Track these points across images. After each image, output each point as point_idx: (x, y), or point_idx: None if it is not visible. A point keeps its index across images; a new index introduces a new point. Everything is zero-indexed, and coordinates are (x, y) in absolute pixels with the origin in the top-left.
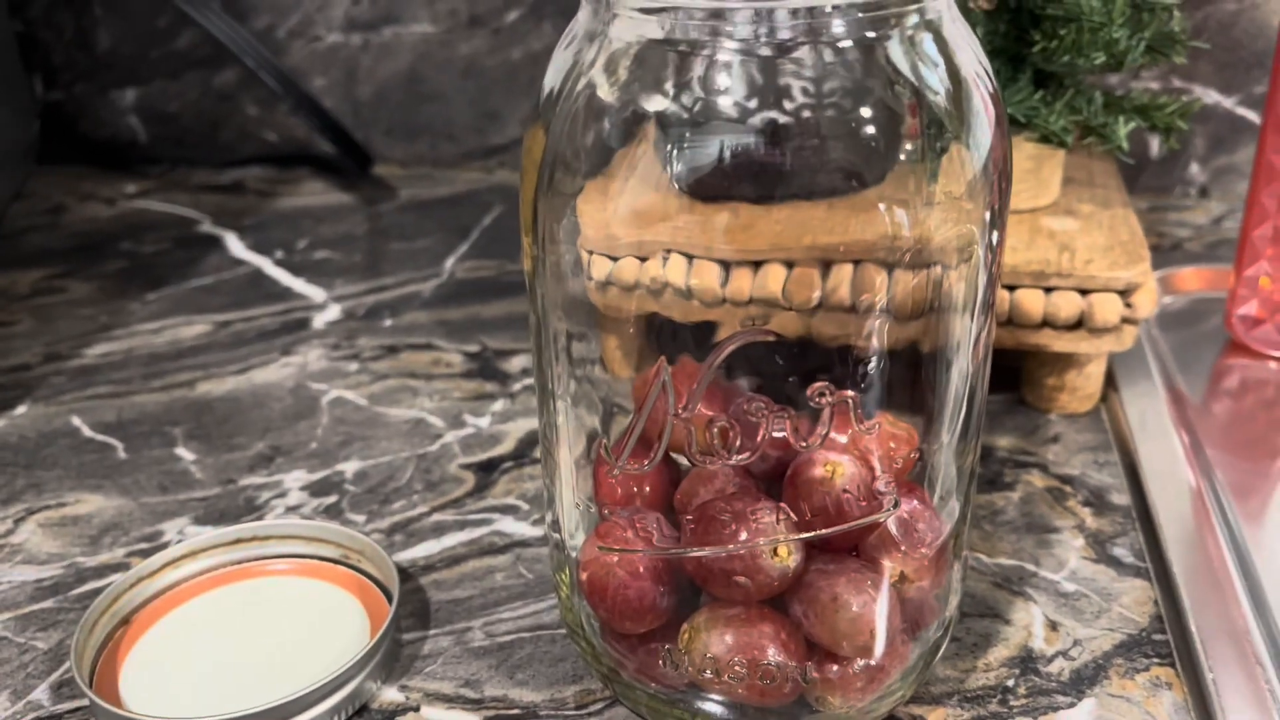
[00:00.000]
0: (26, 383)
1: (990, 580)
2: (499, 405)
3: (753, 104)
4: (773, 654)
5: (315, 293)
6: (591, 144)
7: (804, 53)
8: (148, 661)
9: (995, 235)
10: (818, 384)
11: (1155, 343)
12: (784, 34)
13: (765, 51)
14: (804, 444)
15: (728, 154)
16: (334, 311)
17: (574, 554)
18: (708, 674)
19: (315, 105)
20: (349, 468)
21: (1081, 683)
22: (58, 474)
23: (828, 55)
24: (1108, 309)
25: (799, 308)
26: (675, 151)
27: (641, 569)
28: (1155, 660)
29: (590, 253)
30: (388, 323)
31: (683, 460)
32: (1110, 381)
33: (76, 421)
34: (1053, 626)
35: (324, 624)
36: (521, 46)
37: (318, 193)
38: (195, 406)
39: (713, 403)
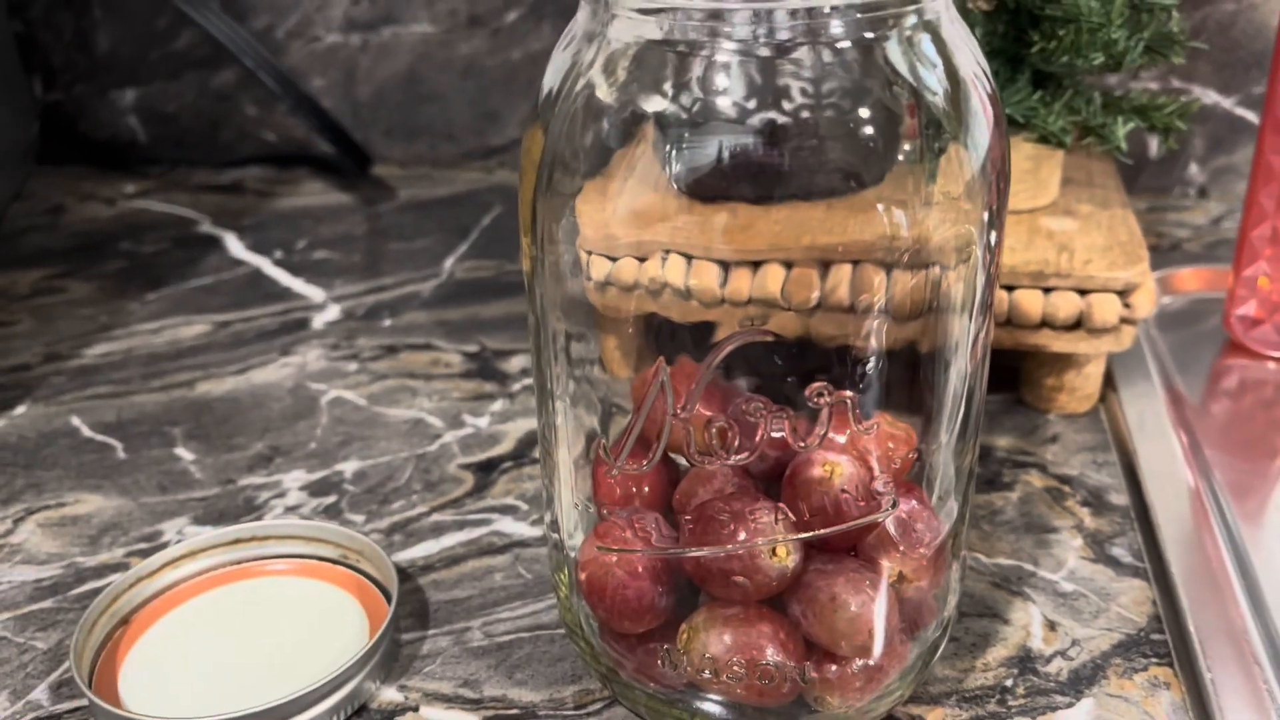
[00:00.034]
0: (26, 383)
1: (989, 580)
2: (498, 405)
3: (751, 104)
4: (771, 654)
5: (314, 293)
6: (590, 144)
7: (802, 53)
8: (147, 661)
9: (993, 235)
10: (816, 384)
11: (1154, 343)
12: (782, 34)
13: (764, 52)
14: (802, 444)
15: (726, 154)
16: (333, 312)
17: (573, 554)
18: (706, 674)
19: (314, 105)
20: (348, 468)
21: (1080, 682)
22: (57, 474)
23: (826, 56)
24: (1106, 309)
25: (797, 308)
26: (674, 152)
27: (640, 569)
28: (1153, 660)
29: (589, 253)
30: (387, 323)
31: (681, 460)
32: (1109, 382)
33: (76, 421)
34: (1051, 626)
35: (323, 624)
36: (521, 47)
37: (317, 193)
38: (195, 406)
39: (711, 403)
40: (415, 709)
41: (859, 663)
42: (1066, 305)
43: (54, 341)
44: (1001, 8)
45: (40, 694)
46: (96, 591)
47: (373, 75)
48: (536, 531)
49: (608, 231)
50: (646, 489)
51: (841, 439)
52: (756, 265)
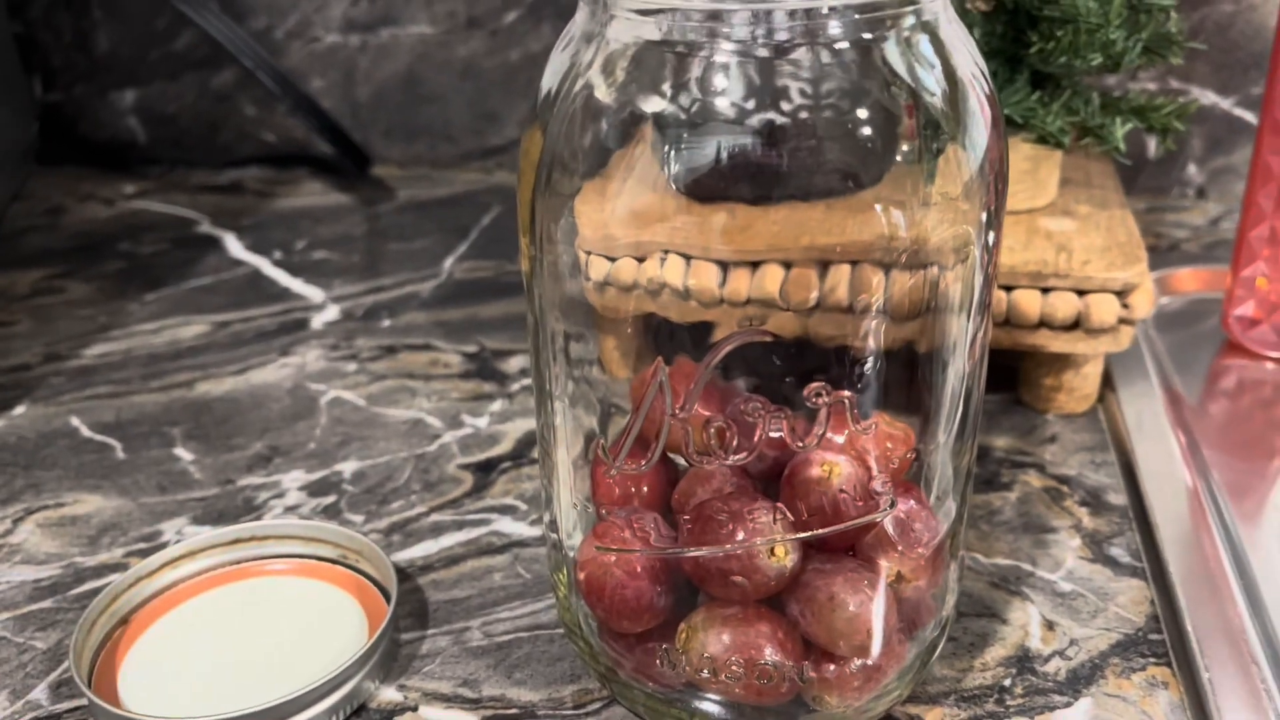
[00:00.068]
0: (26, 383)
1: (987, 580)
2: (497, 405)
3: (750, 105)
4: (770, 653)
5: (314, 293)
6: (589, 145)
7: (801, 54)
8: (146, 661)
9: (991, 236)
10: (815, 384)
11: (1152, 343)
12: (781, 35)
13: (762, 53)
14: (801, 444)
15: (725, 155)
16: (332, 312)
17: (572, 554)
18: (705, 673)
19: (314, 106)
20: (347, 468)
21: (1078, 682)
22: (57, 474)
23: (824, 56)
24: (1105, 309)
25: (796, 308)
26: (673, 152)
27: (639, 569)
28: (1151, 660)
29: (588, 253)
30: (386, 323)
31: (680, 460)
32: (1107, 382)
33: (75, 422)
34: (1049, 626)
35: (322, 624)
36: (520, 48)
37: (316, 193)
38: (194, 407)
39: (710, 403)
40: (414, 709)
41: (857, 662)
42: (1065, 305)
43: (53, 342)
44: (1000, 8)
45: (40, 694)
46: (96, 591)
47: (372, 76)
48: (535, 531)
49: (606, 232)
50: (645, 489)
51: (840, 439)
52: (755, 265)
